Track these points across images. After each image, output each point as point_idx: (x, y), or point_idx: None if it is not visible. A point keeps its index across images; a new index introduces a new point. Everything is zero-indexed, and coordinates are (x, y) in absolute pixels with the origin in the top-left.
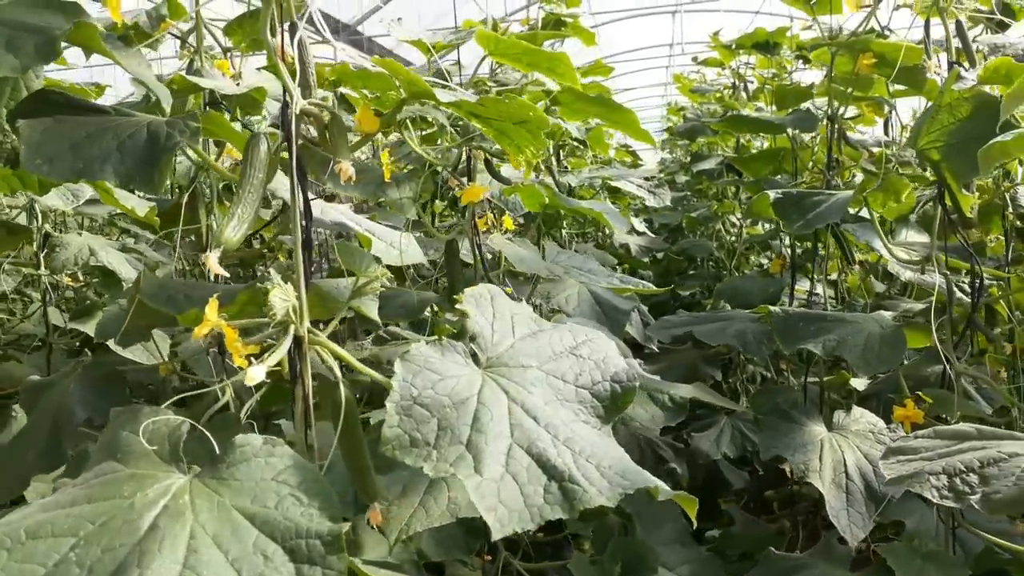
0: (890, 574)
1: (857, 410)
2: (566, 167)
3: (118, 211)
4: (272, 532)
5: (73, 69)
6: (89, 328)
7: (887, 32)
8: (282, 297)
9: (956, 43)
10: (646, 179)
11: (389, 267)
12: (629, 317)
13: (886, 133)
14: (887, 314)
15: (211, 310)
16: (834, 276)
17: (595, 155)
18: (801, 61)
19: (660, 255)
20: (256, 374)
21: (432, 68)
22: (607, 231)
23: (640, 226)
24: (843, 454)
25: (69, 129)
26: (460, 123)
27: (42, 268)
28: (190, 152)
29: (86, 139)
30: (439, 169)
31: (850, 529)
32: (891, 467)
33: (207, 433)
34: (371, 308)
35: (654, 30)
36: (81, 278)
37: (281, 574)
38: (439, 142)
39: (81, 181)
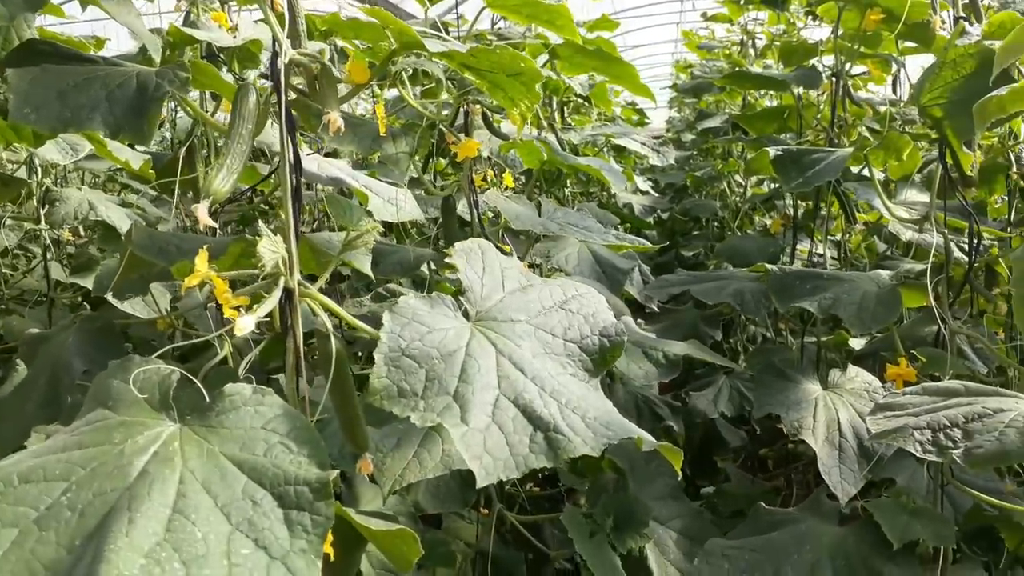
0: (877, 529)
1: (853, 369)
2: (570, 124)
3: (119, 167)
4: (261, 478)
5: (75, 22)
6: (89, 282)
7: None
8: (271, 248)
9: None
10: (653, 138)
11: (388, 224)
12: (629, 276)
13: (895, 92)
14: (884, 273)
15: (200, 261)
16: (838, 236)
17: (600, 113)
18: (811, 17)
19: (665, 215)
20: (245, 324)
21: (428, 20)
22: (611, 191)
23: (644, 185)
24: (837, 412)
25: (56, 78)
26: (457, 77)
27: (42, 223)
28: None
29: (74, 88)
30: (436, 123)
31: (841, 485)
32: (878, 422)
33: (196, 382)
34: (363, 262)
35: None
36: (83, 233)
37: (269, 519)
38: (438, 96)
39: (69, 130)
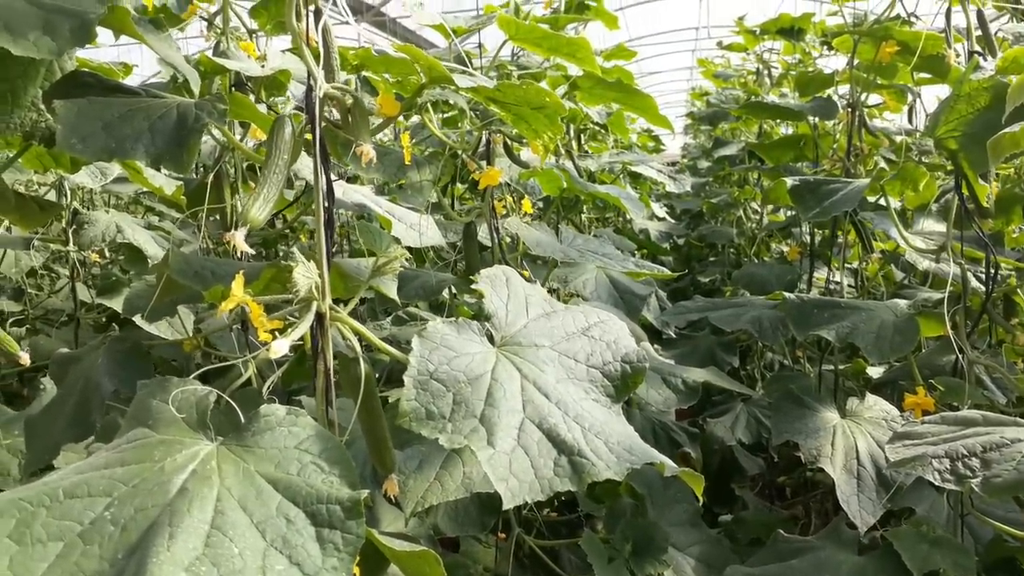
0: (897, 558)
1: (871, 398)
2: (587, 151)
3: (143, 190)
4: (294, 497)
5: (101, 48)
6: (116, 304)
7: (913, 19)
8: (305, 274)
9: (978, 32)
10: (668, 164)
11: (409, 249)
12: (646, 302)
13: (910, 121)
14: (902, 302)
15: (237, 286)
16: (855, 264)
17: (616, 140)
18: (826, 47)
19: (681, 241)
20: (280, 347)
21: (452, 52)
22: (627, 217)
23: (661, 212)
24: (855, 440)
25: (101, 109)
26: (480, 107)
27: (71, 244)
28: (215, 132)
29: (118, 119)
30: (459, 152)
31: (860, 514)
32: (896, 451)
33: (232, 403)
34: (390, 287)
35: (680, 13)
36: (107, 255)
37: (303, 536)
38: (460, 125)
39: (114, 160)
